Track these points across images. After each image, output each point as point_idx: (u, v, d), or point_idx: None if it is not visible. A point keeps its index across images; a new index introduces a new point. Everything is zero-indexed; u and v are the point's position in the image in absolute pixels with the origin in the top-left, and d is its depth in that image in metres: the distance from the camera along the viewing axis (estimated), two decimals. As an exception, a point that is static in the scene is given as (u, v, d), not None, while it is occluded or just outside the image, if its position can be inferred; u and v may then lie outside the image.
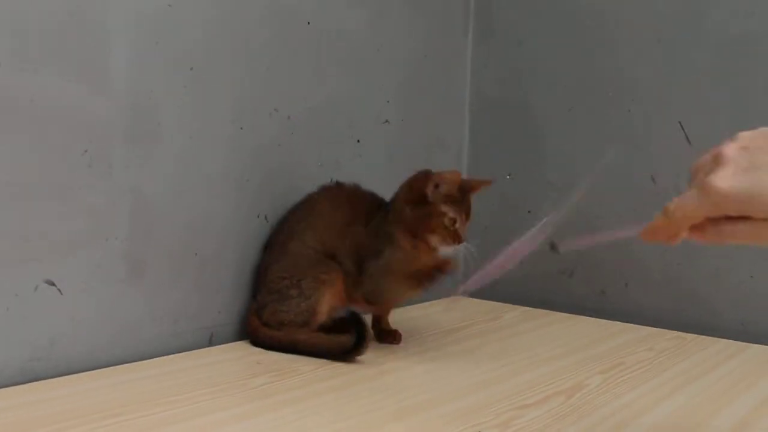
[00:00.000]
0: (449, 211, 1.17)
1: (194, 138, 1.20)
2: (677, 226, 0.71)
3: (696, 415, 0.98)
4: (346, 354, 1.14)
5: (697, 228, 0.70)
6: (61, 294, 1.05)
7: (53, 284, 1.04)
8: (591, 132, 1.59)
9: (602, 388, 1.06)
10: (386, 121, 1.50)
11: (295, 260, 1.23)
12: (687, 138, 1.46)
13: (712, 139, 1.40)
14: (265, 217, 1.31)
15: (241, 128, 1.27)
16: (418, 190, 1.19)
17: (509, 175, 1.71)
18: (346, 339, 1.15)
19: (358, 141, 1.48)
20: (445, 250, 1.19)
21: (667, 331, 1.41)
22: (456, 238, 1.17)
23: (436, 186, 1.17)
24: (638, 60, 1.53)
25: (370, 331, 1.19)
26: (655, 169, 1.50)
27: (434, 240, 1.18)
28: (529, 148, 1.69)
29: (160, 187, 1.17)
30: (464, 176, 1.24)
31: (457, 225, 1.17)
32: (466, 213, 1.19)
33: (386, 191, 1.26)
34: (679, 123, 1.47)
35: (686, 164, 1.41)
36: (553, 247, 0.87)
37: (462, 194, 1.19)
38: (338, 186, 1.30)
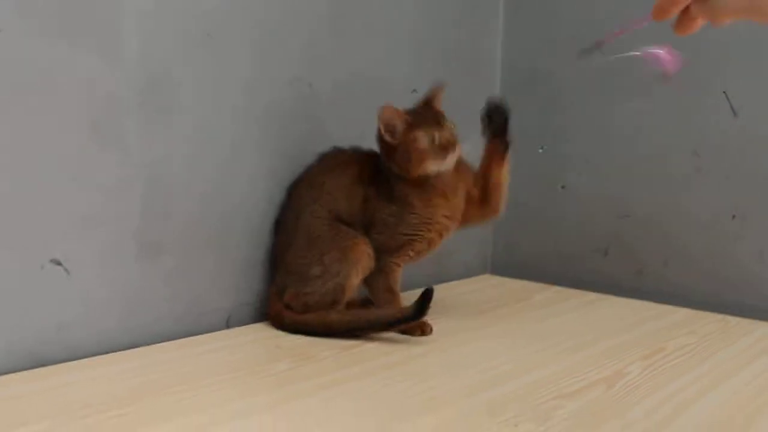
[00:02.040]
0: (419, 135, 1.13)
1: (212, 110, 1.14)
2: None
3: (747, 406, 0.91)
4: (401, 322, 1.10)
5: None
6: (68, 274, 1.00)
7: (59, 263, 0.99)
8: (627, 105, 1.50)
9: (644, 377, 0.99)
10: (414, 90, 1.43)
11: (309, 236, 1.16)
12: (732, 109, 1.38)
13: (758, 110, 1.35)
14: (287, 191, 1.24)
15: (260, 99, 1.20)
16: (383, 143, 1.15)
17: (542, 149, 1.64)
18: (390, 312, 1.12)
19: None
20: (448, 164, 1.15)
21: (708, 313, 1.34)
22: (445, 149, 1.13)
23: (388, 128, 1.13)
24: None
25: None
26: (697, 143, 1.42)
27: (430, 166, 1.14)
28: (562, 121, 1.61)
29: (176, 162, 1.11)
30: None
31: (437, 139, 1.13)
32: (436, 121, 1.15)
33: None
34: (724, 93, 1.39)
35: (732, 138, 1.37)
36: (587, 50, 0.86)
37: (421, 113, 1.15)
38: (336, 151, 1.24)
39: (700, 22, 0.73)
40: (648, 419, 0.85)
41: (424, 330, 1.15)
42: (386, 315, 1.14)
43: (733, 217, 1.38)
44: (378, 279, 1.19)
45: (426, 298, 1.08)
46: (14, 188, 0.94)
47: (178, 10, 1.08)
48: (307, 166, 1.23)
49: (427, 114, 1.15)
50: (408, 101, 1.41)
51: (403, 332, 1.14)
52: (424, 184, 1.16)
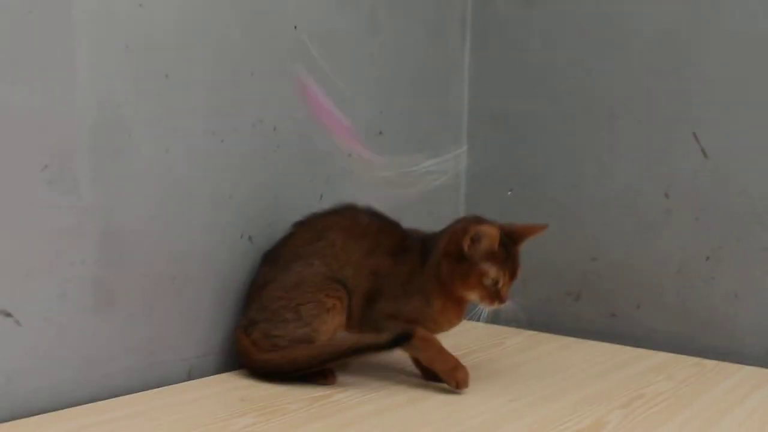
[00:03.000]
0: (490, 270, 1.07)
1: (170, 151, 1.10)
2: None
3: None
4: (389, 344, 1.05)
5: None
6: (19, 325, 0.94)
7: (9, 315, 0.93)
8: (597, 145, 1.49)
9: (625, 426, 0.95)
10: (380, 132, 1.40)
11: (299, 282, 1.12)
12: (703, 150, 1.37)
13: (729, 151, 1.34)
14: (249, 238, 1.20)
15: (222, 141, 1.16)
16: (455, 244, 1.08)
17: (510, 191, 1.61)
18: (375, 336, 1.07)
19: (350, 155, 1.37)
20: (483, 306, 1.10)
21: (684, 357, 1.31)
22: (497, 298, 1.08)
23: (473, 241, 1.07)
24: (647, 67, 1.43)
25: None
26: (668, 185, 1.41)
27: (473, 297, 1.09)
28: (530, 163, 1.59)
29: (133, 205, 1.06)
30: (511, 224, 1.13)
31: (500, 285, 1.08)
32: (512, 270, 1.09)
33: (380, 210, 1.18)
34: (694, 134, 1.38)
35: (703, 179, 1.35)
36: None
37: (507, 247, 1.08)
38: (352, 210, 1.19)
39: None
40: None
41: (458, 383, 1.08)
42: (357, 341, 1.09)
43: (707, 258, 1.37)
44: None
45: (405, 336, 1.05)
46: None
47: (134, 50, 1.04)
48: (321, 212, 1.19)
49: (508, 253, 1.08)
50: (373, 143, 1.38)
51: (435, 379, 1.11)
52: (451, 296, 1.11)
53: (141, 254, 1.07)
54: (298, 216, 1.19)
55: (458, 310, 1.13)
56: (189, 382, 1.12)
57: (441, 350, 1.10)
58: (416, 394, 1.08)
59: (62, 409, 0.97)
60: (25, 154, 0.94)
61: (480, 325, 1.54)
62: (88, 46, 0.99)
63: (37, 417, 0.94)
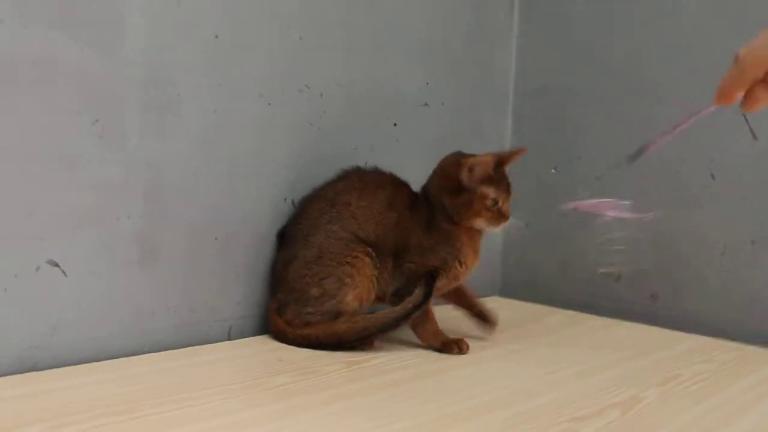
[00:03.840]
0: (490, 193, 1.14)
1: (217, 112, 1.11)
2: (749, 76, 0.70)
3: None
4: (414, 309, 1.10)
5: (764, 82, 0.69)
6: (66, 276, 0.96)
7: (57, 265, 0.95)
8: (642, 124, 1.47)
9: (660, 403, 0.95)
10: (425, 104, 1.40)
11: (320, 255, 1.13)
12: (752, 131, 1.34)
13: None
14: (292, 201, 1.21)
15: (269, 104, 1.17)
16: (453, 178, 1.14)
17: (554, 169, 1.60)
18: (401, 305, 1.11)
19: (395, 124, 1.38)
20: (495, 231, 1.17)
21: (724, 341, 1.29)
22: (502, 217, 1.15)
23: (470, 170, 1.13)
24: (696, 45, 1.40)
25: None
26: (715, 166, 1.38)
27: (481, 223, 1.15)
28: (575, 140, 1.57)
29: (179, 163, 1.07)
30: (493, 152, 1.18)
31: (500, 204, 1.15)
32: (507, 188, 1.16)
33: (424, 179, 1.19)
34: (743, 115, 1.35)
35: (750, 161, 1.33)
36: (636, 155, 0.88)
37: (498, 171, 1.15)
38: (358, 172, 1.20)
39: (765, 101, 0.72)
40: (667, 446, 0.81)
41: (461, 347, 1.13)
42: (397, 310, 1.10)
43: (753, 242, 1.34)
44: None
45: (430, 278, 1.11)
46: (10, 185, 0.91)
47: (186, 9, 1.05)
48: (326, 182, 1.19)
49: (502, 178, 1.15)
50: (419, 114, 1.38)
51: (440, 350, 1.13)
52: (467, 229, 1.16)
53: (184, 211, 1.09)
54: (341, 183, 1.20)
55: (475, 244, 1.19)
56: (228, 341, 1.14)
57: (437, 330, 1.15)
58: (450, 363, 1.09)
59: (106, 360, 0.99)
60: (77, 108, 0.96)
61: (516, 302, 1.56)
62: (140, 5, 1.00)
63: (79, 366, 0.96)
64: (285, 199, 1.20)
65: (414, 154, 1.34)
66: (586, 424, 0.85)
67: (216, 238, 1.12)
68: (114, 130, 0.99)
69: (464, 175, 1.13)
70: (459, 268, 1.17)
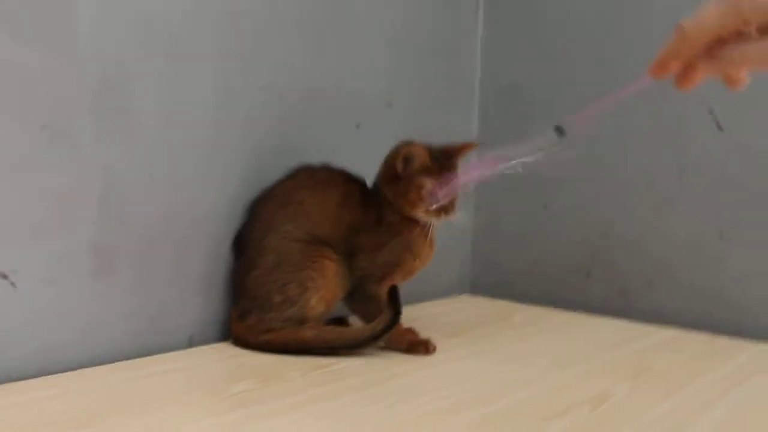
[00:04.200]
0: (426, 181, 1.10)
1: (173, 114, 1.08)
2: (690, 48, 0.70)
3: (740, 430, 0.85)
4: (384, 331, 1.06)
5: (706, 56, 0.69)
6: (15, 288, 0.93)
7: (5, 276, 0.92)
8: (613, 121, 1.46)
9: (631, 398, 0.93)
10: (389, 104, 1.38)
11: (278, 261, 1.10)
12: (717, 124, 1.34)
13: (743, 123, 1.31)
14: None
15: (227, 106, 1.15)
16: (391, 167, 1.13)
17: (521, 169, 1.58)
18: (371, 325, 1.07)
19: (358, 126, 1.36)
20: (436, 223, 1.13)
21: (695, 333, 1.29)
22: (443, 209, 1.11)
23: (406, 159, 1.11)
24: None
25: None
26: (682, 159, 1.38)
27: (420, 214, 1.12)
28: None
29: (134, 167, 1.04)
30: (444, 144, 1.16)
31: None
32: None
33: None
34: (709, 108, 1.34)
35: (717, 153, 1.32)
36: (559, 130, 0.87)
37: (442, 162, 1.12)
38: (309, 168, 1.18)
39: (702, 75, 0.71)
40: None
41: (428, 348, 1.11)
42: (367, 330, 1.08)
43: (721, 235, 1.34)
44: (365, 305, 1.14)
45: (394, 295, 1.06)
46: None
47: (139, 8, 1.03)
48: (275, 182, 1.16)
49: (443, 169, 1.11)
50: (382, 115, 1.36)
51: (407, 351, 1.10)
52: (413, 220, 1.13)
53: (142, 218, 1.06)
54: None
55: (427, 235, 1.14)
56: (189, 349, 1.11)
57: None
58: (418, 363, 1.07)
59: (61, 372, 0.96)
60: (24, 112, 0.93)
61: (485, 299, 1.55)
62: (90, 2, 0.98)
63: (31, 380, 0.93)
64: (244, 205, 1.17)
65: (378, 155, 1.32)
66: (555, 421, 0.83)
67: (174, 244, 1.10)
68: (64, 135, 0.96)
69: (399, 164, 1.11)
70: (413, 261, 1.15)
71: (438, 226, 1.13)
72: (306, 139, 1.27)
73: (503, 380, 1.00)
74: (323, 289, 1.10)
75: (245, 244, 1.14)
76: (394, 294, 1.05)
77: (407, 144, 1.12)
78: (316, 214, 1.13)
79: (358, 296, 1.14)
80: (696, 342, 1.24)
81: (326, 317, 1.14)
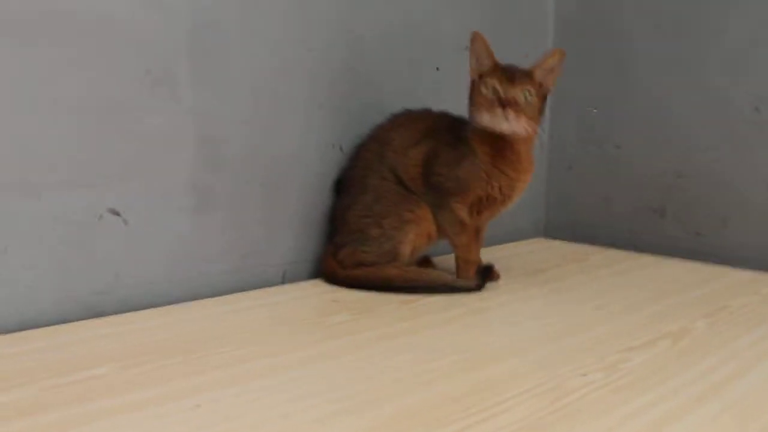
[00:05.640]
0: (489, 79, 1.08)
1: (262, 61, 1.12)
2: None
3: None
4: (460, 289, 1.11)
5: None
6: (126, 224, 0.99)
7: (118, 213, 0.98)
8: (685, 58, 1.45)
9: (710, 333, 0.96)
10: (467, 47, 1.39)
11: (377, 196, 1.15)
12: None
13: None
14: (340, 147, 1.23)
15: (311, 50, 1.18)
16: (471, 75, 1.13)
17: (595, 109, 1.59)
18: (452, 278, 1.13)
19: (438, 69, 1.38)
20: (501, 124, 1.07)
21: (770, 275, 1.30)
22: (498, 103, 1.06)
23: (475, 58, 1.11)
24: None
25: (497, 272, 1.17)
26: (758, 98, 1.37)
27: (485, 117, 1.08)
28: (616, 78, 1.56)
29: (227, 110, 1.09)
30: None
31: (502, 93, 1.07)
32: (510, 79, 1.07)
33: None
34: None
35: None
36: None
37: (508, 67, 1.10)
38: (408, 112, 1.21)
39: None
40: (716, 373, 0.82)
41: (492, 276, 1.15)
42: (447, 278, 1.13)
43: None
44: (444, 215, 1.14)
45: (488, 271, 1.12)
46: (68, 136, 0.94)
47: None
48: (376, 126, 1.20)
49: (510, 70, 1.09)
50: (458, 58, 1.38)
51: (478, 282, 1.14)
52: (493, 143, 1.11)
53: (234, 159, 1.11)
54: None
55: (507, 157, 1.12)
56: (283, 285, 1.17)
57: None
58: (499, 300, 1.11)
59: (162, 306, 1.02)
60: (130, 60, 0.98)
61: (560, 242, 1.57)
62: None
63: (142, 311, 1.00)
64: (333, 146, 1.22)
65: (457, 98, 1.34)
66: (638, 353, 0.87)
67: (264, 185, 1.14)
68: (165, 80, 1.01)
69: (472, 61, 1.11)
70: (487, 186, 1.13)
71: (511, 131, 1.08)
72: (385, 79, 1.30)
73: (583, 316, 1.03)
74: (419, 226, 1.14)
75: (347, 184, 1.19)
76: (485, 271, 1.12)
77: (472, 37, 1.12)
78: (401, 150, 1.16)
79: (438, 209, 1.15)
80: (772, 283, 1.25)
81: (419, 255, 1.18)
